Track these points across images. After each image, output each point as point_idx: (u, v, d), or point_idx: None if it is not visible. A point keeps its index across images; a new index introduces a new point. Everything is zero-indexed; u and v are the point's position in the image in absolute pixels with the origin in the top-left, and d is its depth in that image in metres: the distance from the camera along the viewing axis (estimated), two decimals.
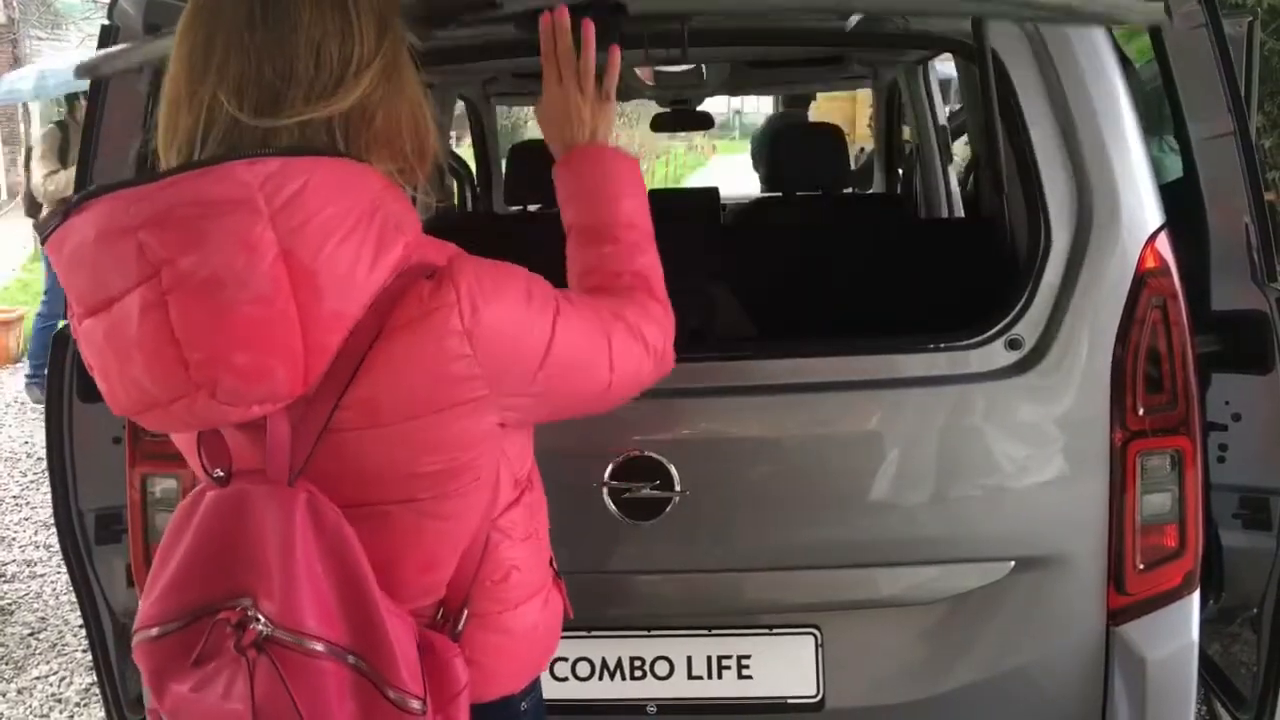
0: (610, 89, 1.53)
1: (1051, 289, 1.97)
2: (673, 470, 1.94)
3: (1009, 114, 1.99)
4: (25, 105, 19.47)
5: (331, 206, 1.11)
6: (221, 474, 1.21)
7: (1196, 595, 2.00)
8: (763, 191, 5.04)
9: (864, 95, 10.77)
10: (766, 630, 2.05)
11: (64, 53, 16.89)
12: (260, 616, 1.15)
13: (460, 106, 4.84)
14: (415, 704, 1.19)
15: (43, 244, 1.18)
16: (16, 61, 19.46)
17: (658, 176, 21.57)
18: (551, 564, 1.51)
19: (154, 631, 1.23)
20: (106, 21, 2.16)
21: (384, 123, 1.22)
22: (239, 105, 1.15)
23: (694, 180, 23.06)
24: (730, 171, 18.01)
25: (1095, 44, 1.98)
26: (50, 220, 1.14)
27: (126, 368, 1.12)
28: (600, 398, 1.36)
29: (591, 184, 1.51)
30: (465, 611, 1.34)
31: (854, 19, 2.03)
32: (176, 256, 1.07)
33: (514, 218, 3.71)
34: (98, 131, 2.15)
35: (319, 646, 1.15)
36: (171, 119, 1.19)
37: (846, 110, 13.56)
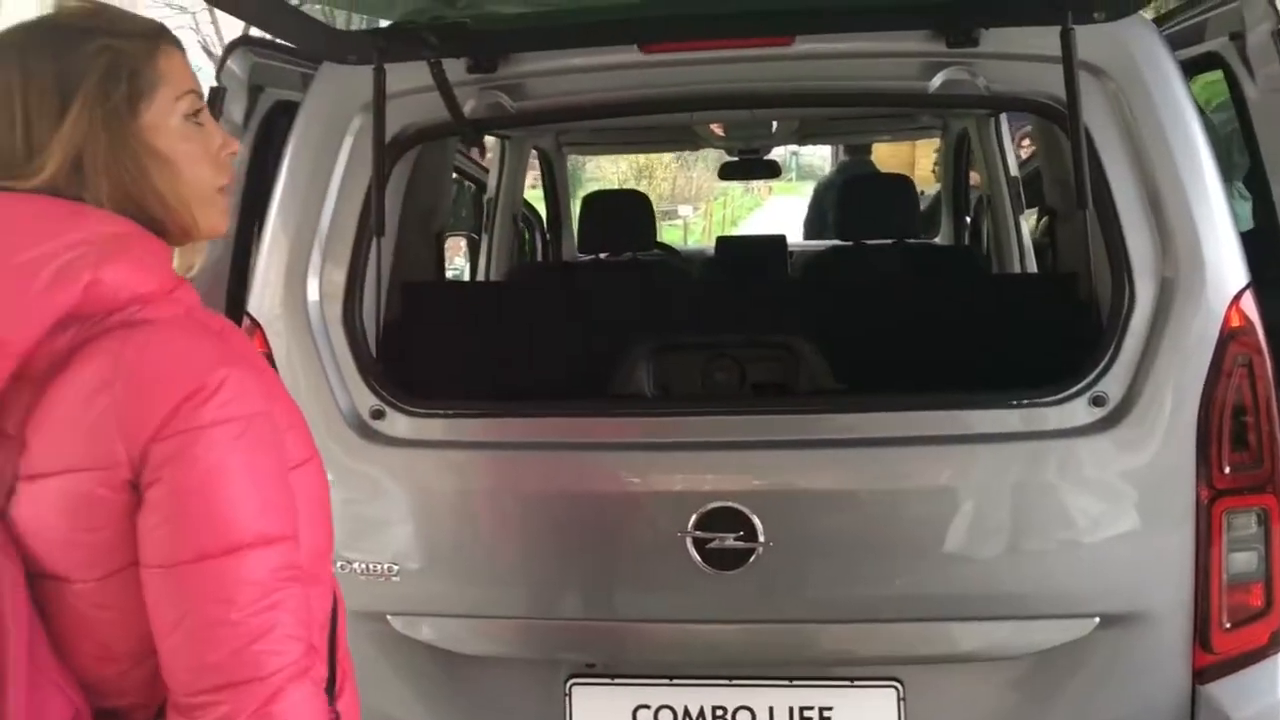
0: None
1: (1136, 346, 1.98)
2: (756, 521, 1.97)
3: (1091, 169, 2.01)
4: None
5: (17, 237, 1.12)
6: None
7: None
8: (827, 239, 5.07)
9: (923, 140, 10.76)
10: (848, 682, 2.06)
11: None
12: None
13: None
14: None
15: None
16: None
17: (715, 218, 21.64)
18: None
19: None
20: (215, 83, 2.26)
21: (102, 187, 1.18)
22: None
23: (751, 222, 23.12)
24: (787, 213, 18.05)
25: (1176, 96, 2.00)
26: None
27: None
28: (194, 562, 1.09)
29: None
30: None
31: (938, 80, 2.07)
32: None
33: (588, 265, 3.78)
34: None
35: None
36: None
37: (905, 155, 13.53)
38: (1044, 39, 1.96)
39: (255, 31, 2.36)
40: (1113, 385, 1.98)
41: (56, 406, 1.12)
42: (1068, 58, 1.89)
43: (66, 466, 1.11)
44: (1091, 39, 1.95)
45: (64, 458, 1.11)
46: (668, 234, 14.01)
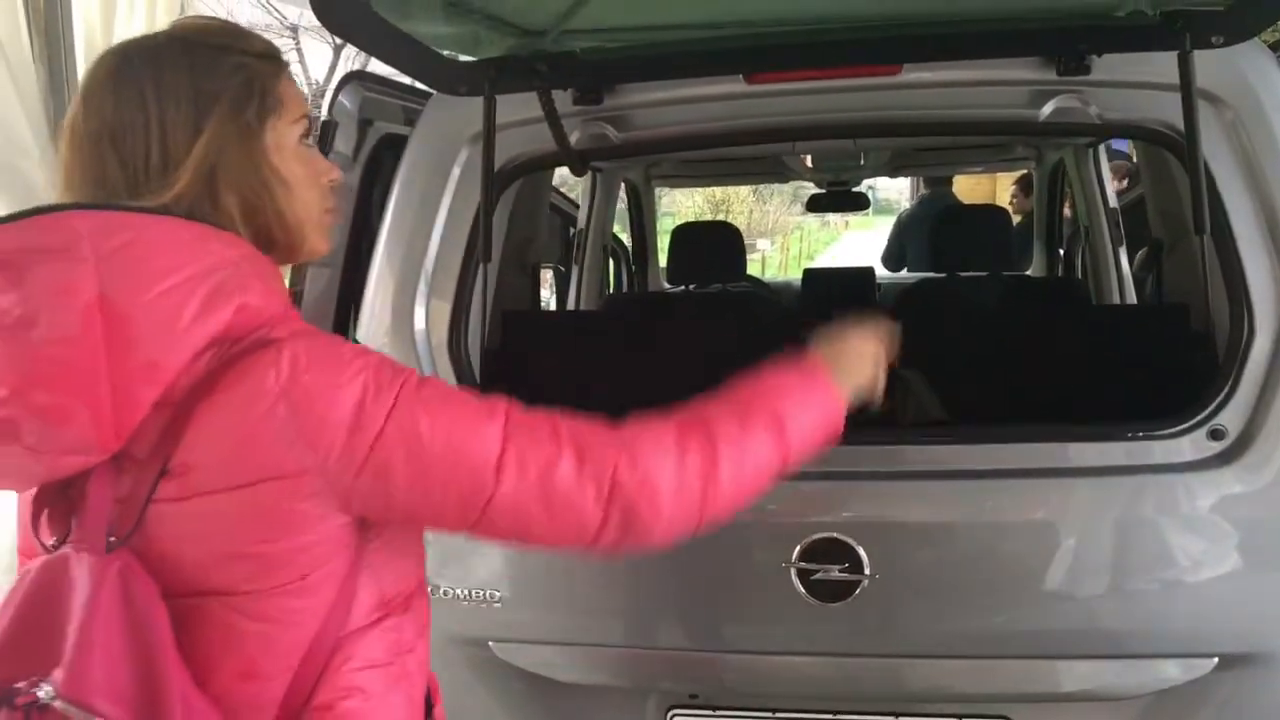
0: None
1: (1256, 379, 1.93)
2: (862, 553, 1.95)
3: (1208, 196, 1.97)
4: None
5: (160, 260, 1.11)
6: (54, 541, 1.15)
7: None
8: (919, 270, 5.02)
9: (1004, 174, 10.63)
10: (955, 718, 2.02)
11: None
12: (47, 684, 1.06)
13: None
14: None
15: None
16: None
17: (792, 252, 21.61)
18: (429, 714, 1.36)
19: None
20: (326, 116, 2.32)
21: (231, 202, 1.19)
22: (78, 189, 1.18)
23: (828, 255, 23.02)
24: (863, 247, 17.96)
25: None
26: None
27: None
28: (483, 510, 1.20)
29: (768, 383, 1.37)
30: None
31: (1049, 108, 2.05)
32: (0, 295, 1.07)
33: (680, 296, 3.79)
34: None
35: None
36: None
37: (987, 188, 13.39)
38: (1158, 65, 1.93)
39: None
40: (1232, 418, 1.93)
41: (217, 426, 1.12)
42: (1186, 84, 1.85)
43: (242, 482, 1.12)
44: (1207, 65, 1.92)
45: (237, 474, 1.12)
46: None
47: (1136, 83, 2.03)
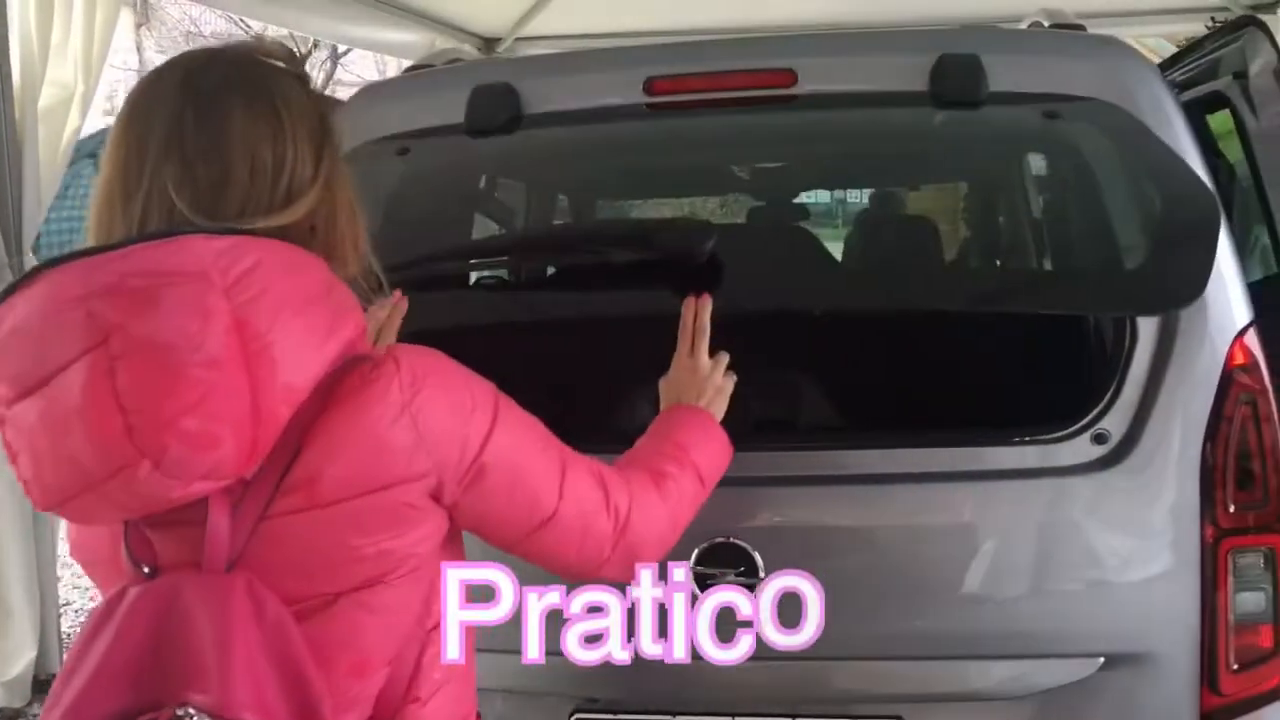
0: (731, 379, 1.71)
1: (1138, 383, 1.97)
2: (757, 558, 1.97)
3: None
4: None
5: (285, 283, 1.12)
6: (148, 570, 1.15)
7: None
8: None
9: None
10: (850, 719, 2.05)
11: None
12: (192, 711, 1.06)
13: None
14: None
15: None
16: None
17: None
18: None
19: None
20: None
21: (324, 230, 1.24)
22: (176, 205, 1.15)
23: None
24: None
25: (1177, 139, 2.01)
26: None
27: (62, 443, 1.06)
28: (538, 528, 1.32)
29: (682, 430, 1.59)
30: None
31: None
32: (128, 321, 1.05)
33: None
34: None
35: None
36: (105, 221, 1.18)
37: (952, 200, 13.44)
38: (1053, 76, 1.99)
39: None
40: (1115, 422, 1.97)
41: (344, 438, 1.16)
42: None
43: (372, 488, 1.17)
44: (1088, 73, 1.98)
45: (366, 481, 1.17)
46: None
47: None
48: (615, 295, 2.10)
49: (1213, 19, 4.43)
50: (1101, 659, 1.96)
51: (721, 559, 1.98)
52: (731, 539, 1.98)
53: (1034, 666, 1.99)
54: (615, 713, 2.10)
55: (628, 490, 1.40)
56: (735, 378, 1.72)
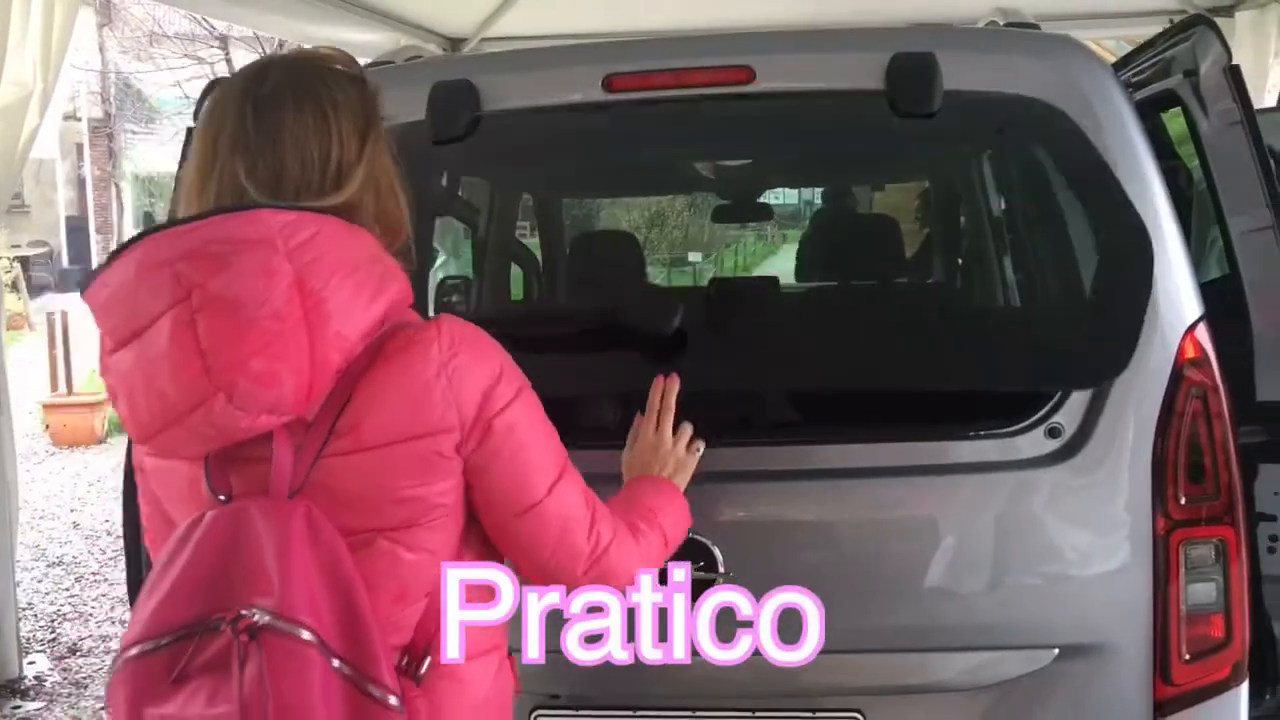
0: (697, 449, 1.85)
1: None
2: (716, 552, 1.98)
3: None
4: (119, 195, 20.29)
5: (338, 251, 1.31)
6: (224, 496, 1.34)
7: (1245, 688, 1.98)
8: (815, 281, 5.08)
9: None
10: (809, 713, 2.06)
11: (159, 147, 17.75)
12: (256, 610, 1.25)
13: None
14: (394, 700, 1.30)
15: (83, 296, 1.34)
16: (112, 155, 20.38)
17: (727, 265, 21.70)
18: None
19: (134, 651, 1.31)
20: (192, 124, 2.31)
21: (372, 205, 1.42)
22: (246, 188, 1.35)
23: (764, 268, 23.16)
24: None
25: (1129, 138, 2.03)
26: (93, 272, 1.32)
27: (153, 382, 1.28)
28: (523, 513, 1.44)
29: (651, 496, 1.72)
30: (428, 659, 1.42)
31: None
32: (207, 280, 1.25)
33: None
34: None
35: (308, 636, 1.25)
36: (190, 201, 1.40)
37: (906, 200, 13.50)
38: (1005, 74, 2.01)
39: None
40: (1068, 416, 1.99)
41: (387, 390, 1.34)
42: None
43: (408, 436, 1.34)
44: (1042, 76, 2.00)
45: (404, 430, 1.34)
46: (677, 280, 14.04)
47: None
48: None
49: (1171, 21, 4.48)
50: (1056, 650, 1.99)
51: (681, 554, 1.98)
52: (691, 534, 1.98)
53: (990, 658, 2.01)
54: (576, 709, 2.10)
55: (613, 527, 1.53)
56: (700, 450, 1.85)
